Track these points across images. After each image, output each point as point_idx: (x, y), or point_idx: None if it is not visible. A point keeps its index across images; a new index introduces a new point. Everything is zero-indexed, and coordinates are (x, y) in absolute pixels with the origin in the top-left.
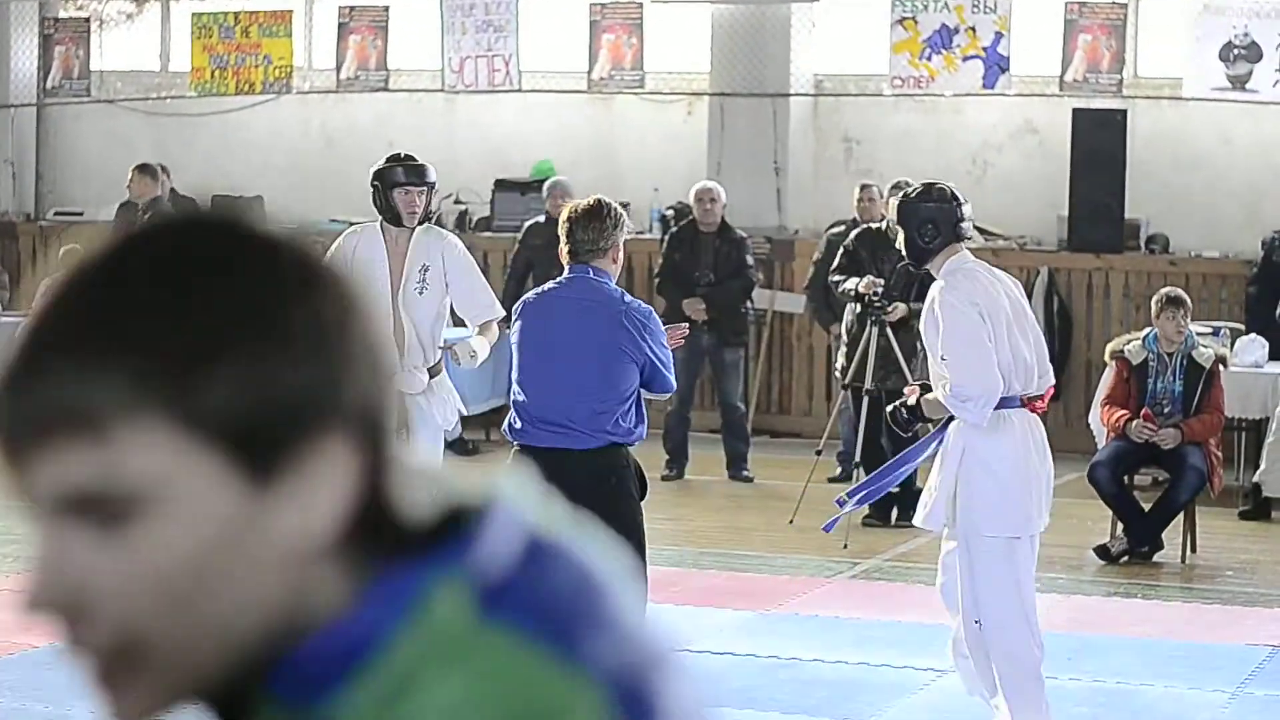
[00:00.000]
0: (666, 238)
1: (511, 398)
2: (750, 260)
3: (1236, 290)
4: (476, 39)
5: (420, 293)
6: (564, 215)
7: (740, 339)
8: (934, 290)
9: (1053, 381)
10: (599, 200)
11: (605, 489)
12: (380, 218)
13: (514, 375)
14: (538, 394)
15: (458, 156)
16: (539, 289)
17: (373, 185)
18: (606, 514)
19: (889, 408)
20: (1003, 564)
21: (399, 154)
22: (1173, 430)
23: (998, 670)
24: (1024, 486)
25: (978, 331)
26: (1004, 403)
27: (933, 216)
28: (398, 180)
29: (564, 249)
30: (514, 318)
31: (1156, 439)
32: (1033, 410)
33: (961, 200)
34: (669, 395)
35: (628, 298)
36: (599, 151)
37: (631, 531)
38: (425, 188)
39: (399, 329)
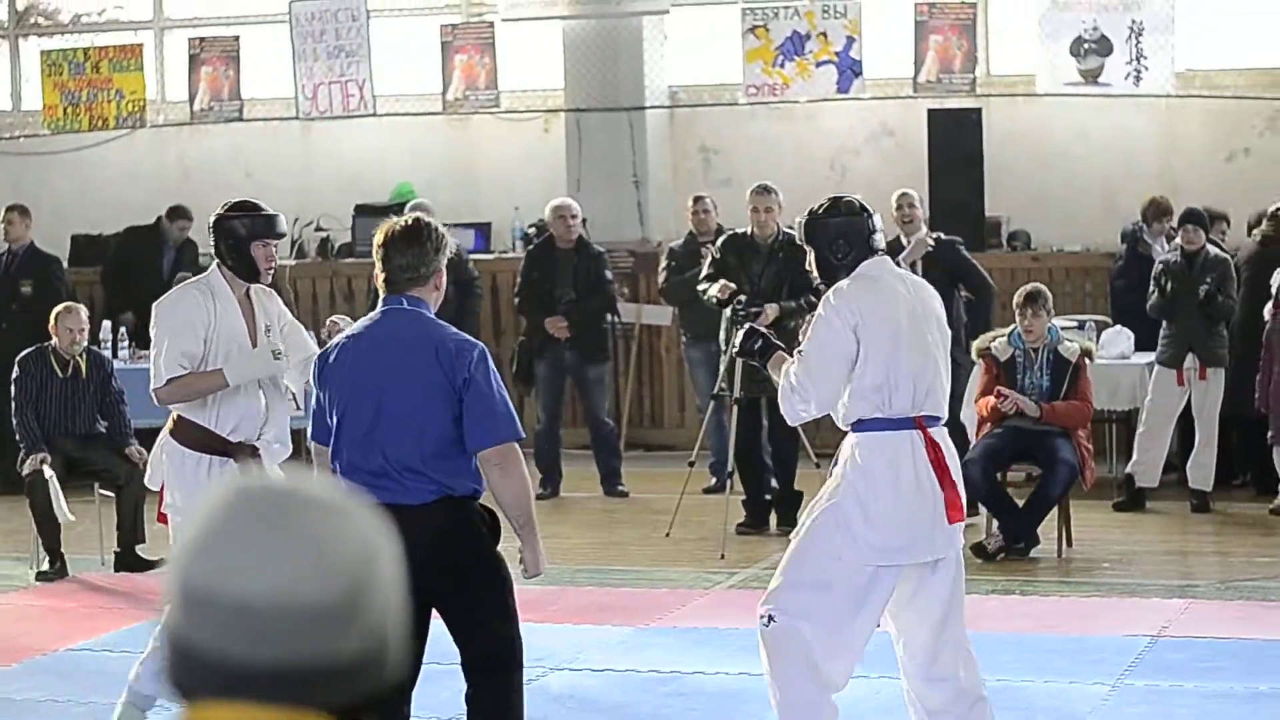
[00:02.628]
0: (525, 256)
1: (316, 450)
2: (609, 275)
3: (1100, 283)
4: (329, 65)
5: (276, 355)
6: (378, 239)
7: (604, 355)
8: (830, 288)
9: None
10: (418, 220)
11: (451, 544)
12: (219, 269)
13: (323, 426)
14: (357, 445)
15: (316, 183)
16: (349, 330)
17: (222, 234)
18: (461, 565)
19: (743, 331)
20: (842, 583)
21: (246, 200)
22: (1030, 402)
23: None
24: (894, 514)
25: (841, 344)
26: (888, 424)
27: (843, 231)
28: (260, 232)
29: (379, 277)
30: (316, 366)
31: (1020, 404)
32: (924, 432)
33: (870, 211)
34: (506, 446)
35: (452, 331)
36: (457, 172)
37: (498, 584)
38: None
39: (256, 397)
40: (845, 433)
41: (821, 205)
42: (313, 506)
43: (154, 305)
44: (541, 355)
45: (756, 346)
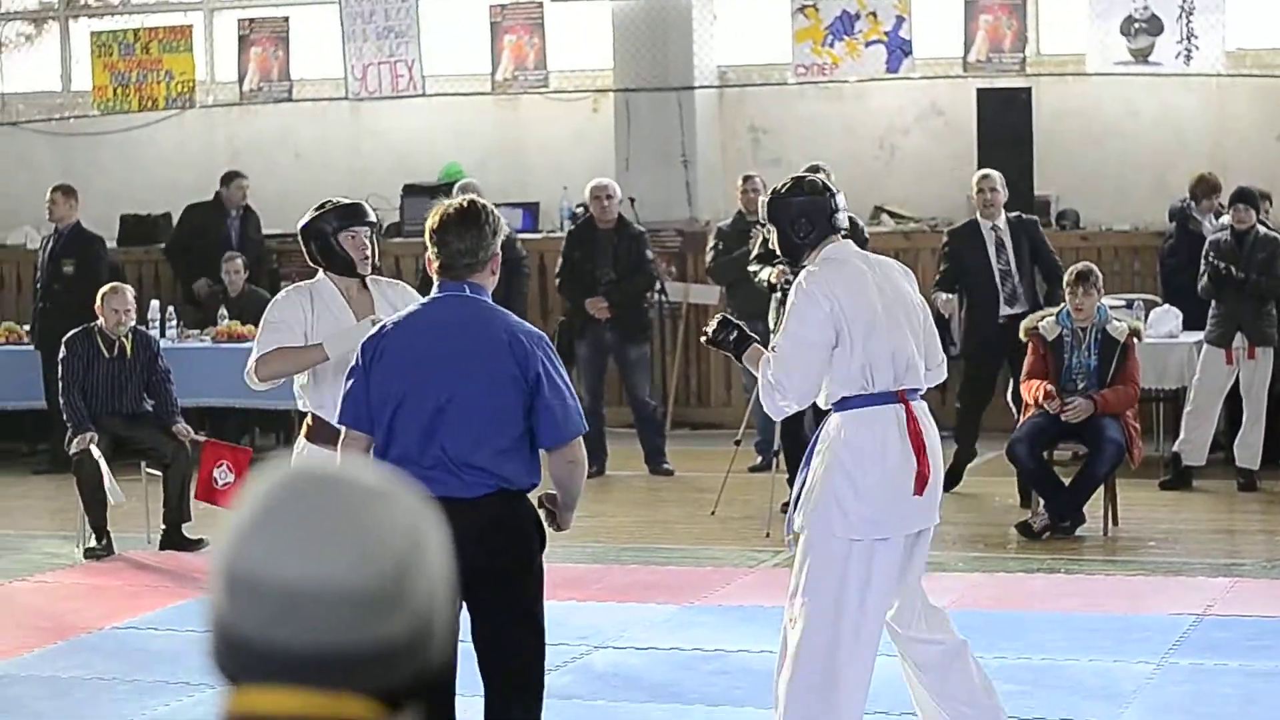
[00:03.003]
0: (566, 237)
1: (347, 435)
2: (650, 255)
3: (1149, 262)
4: (378, 45)
5: None
6: (431, 221)
7: (644, 334)
8: (800, 274)
9: (942, 377)
10: (473, 202)
11: (502, 544)
12: (323, 273)
13: (361, 412)
14: (413, 437)
15: (365, 163)
16: (400, 314)
17: (309, 238)
18: (507, 573)
19: (715, 321)
20: (840, 566)
21: (327, 200)
22: (1083, 401)
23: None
24: (881, 487)
25: (818, 333)
26: (872, 399)
27: (805, 210)
28: (342, 224)
29: (433, 262)
30: (365, 350)
31: (1068, 415)
32: (906, 405)
33: (834, 191)
34: (577, 441)
35: (517, 320)
36: (506, 152)
37: (536, 596)
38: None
39: None
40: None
41: (784, 184)
42: (357, 491)
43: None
44: (583, 335)
45: (731, 338)
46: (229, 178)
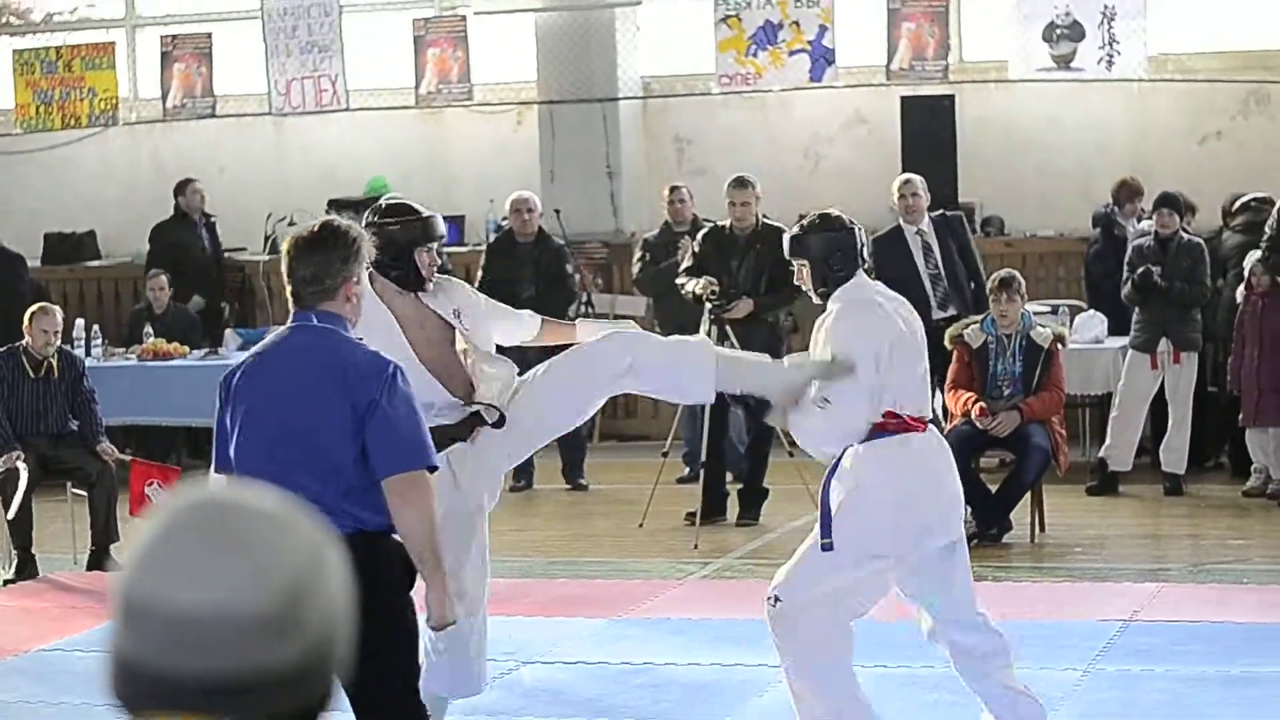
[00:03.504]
0: (485, 251)
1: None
2: (570, 269)
3: (1074, 267)
4: (301, 60)
5: None
6: (284, 246)
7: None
8: (829, 317)
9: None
10: (326, 225)
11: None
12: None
13: (225, 453)
14: (262, 476)
15: (290, 178)
16: (256, 346)
17: (380, 242)
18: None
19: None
20: (848, 570)
21: (400, 203)
22: (1010, 414)
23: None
24: (902, 505)
25: (865, 382)
26: (898, 428)
27: (840, 246)
28: (422, 238)
29: (288, 290)
30: (221, 387)
31: (995, 429)
32: (928, 430)
33: (859, 226)
34: (411, 474)
35: (366, 350)
36: (431, 165)
37: (400, 639)
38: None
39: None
40: None
41: (811, 219)
42: (253, 517)
43: None
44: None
45: (753, 405)
46: (182, 186)
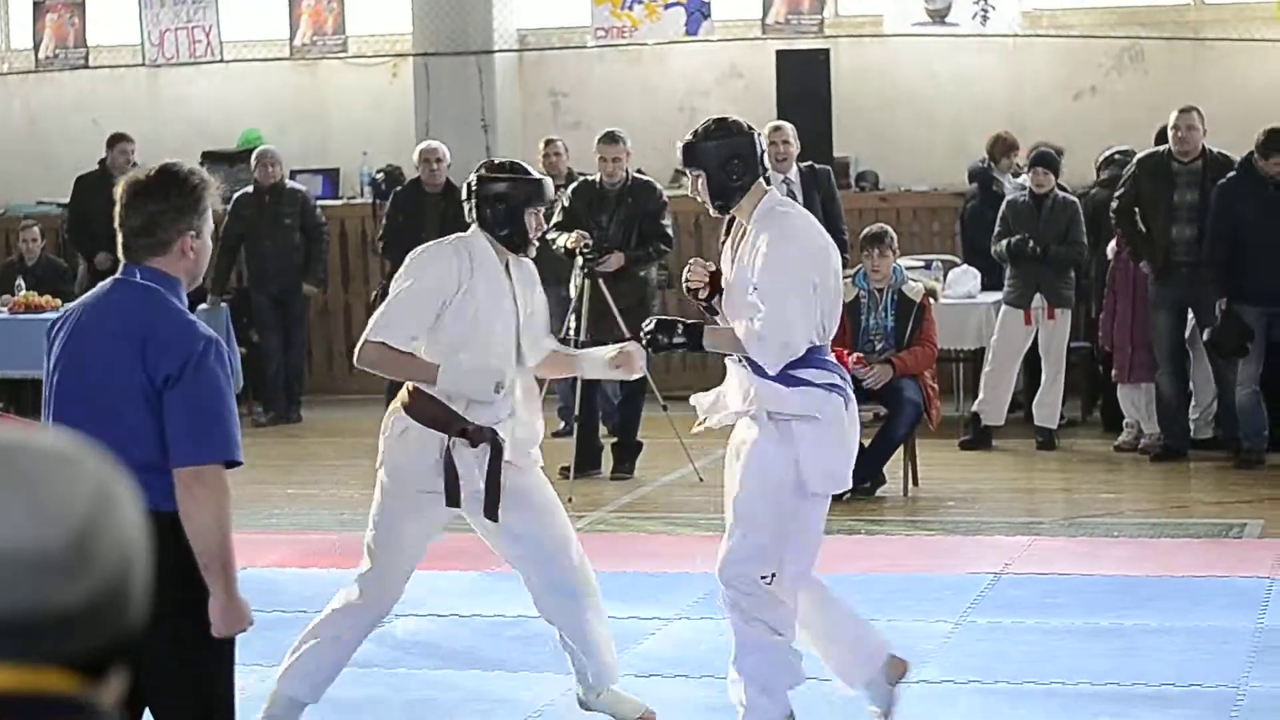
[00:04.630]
0: (390, 199)
1: None
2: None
3: (948, 222)
4: (175, 11)
5: (498, 389)
6: (118, 192)
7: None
8: (761, 237)
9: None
10: (164, 169)
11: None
12: (480, 234)
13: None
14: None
15: (162, 130)
16: (82, 299)
17: (489, 198)
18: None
19: (650, 325)
20: (812, 521)
21: (511, 162)
22: (883, 368)
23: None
24: (849, 439)
25: (805, 281)
26: (824, 351)
27: (737, 151)
28: (534, 199)
29: (119, 240)
30: (47, 335)
31: (868, 382)
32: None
33: (757, 131)
34: (201, 468)
35: (180, 319)
36: (306, 118)
37: (190, 637)
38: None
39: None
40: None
41: (706, 127)
42: (37, 455)
43: (410, 254)
44: None
45: (678, 336)
46: (113, 141)
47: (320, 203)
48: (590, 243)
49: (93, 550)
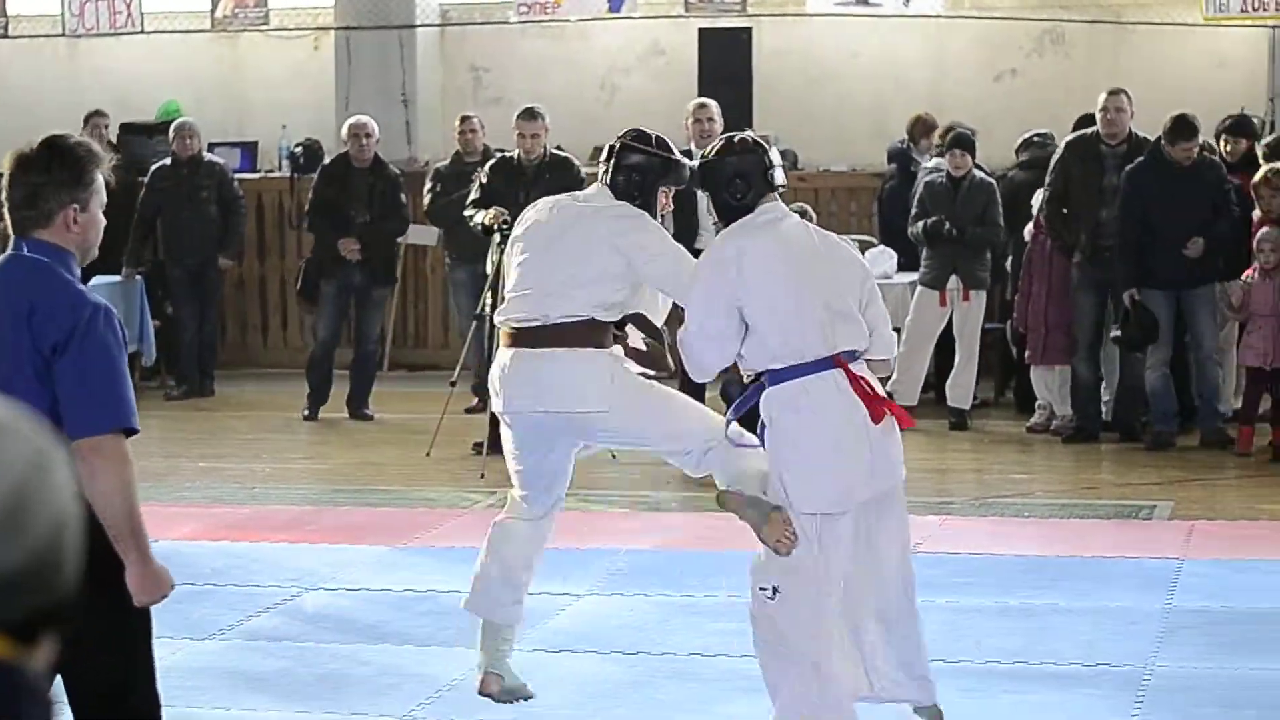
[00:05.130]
0: (318, 174)
1: None
2: (404, 198)
3: (865, 203)
4: None
5: None
6: (4, 165)
7: (390, 278)
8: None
9: (881, 349)
10: (48, 141)
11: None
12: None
13: None
14: None
15: (82, 101)
16: None
17: (628, 167)
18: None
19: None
20: (810, 542)
21: (651, 134)
22: None
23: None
24: (836, 456)
25: (717, 297)
26: (798, 370)
27: (740, 171)
28: (668, 178)
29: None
30: None
31: None
32: (846, 371)
33: (767, 147)
34: (99, 438)
35: (69, 289)
36: (226, 90)
37: (110, 614)
38: None
39: None
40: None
41: (715, 146)
42: None
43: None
44: (330, 275)
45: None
46: (89, 117)
47: (238, 176)
48: (509, 219)
49: (27, 516)
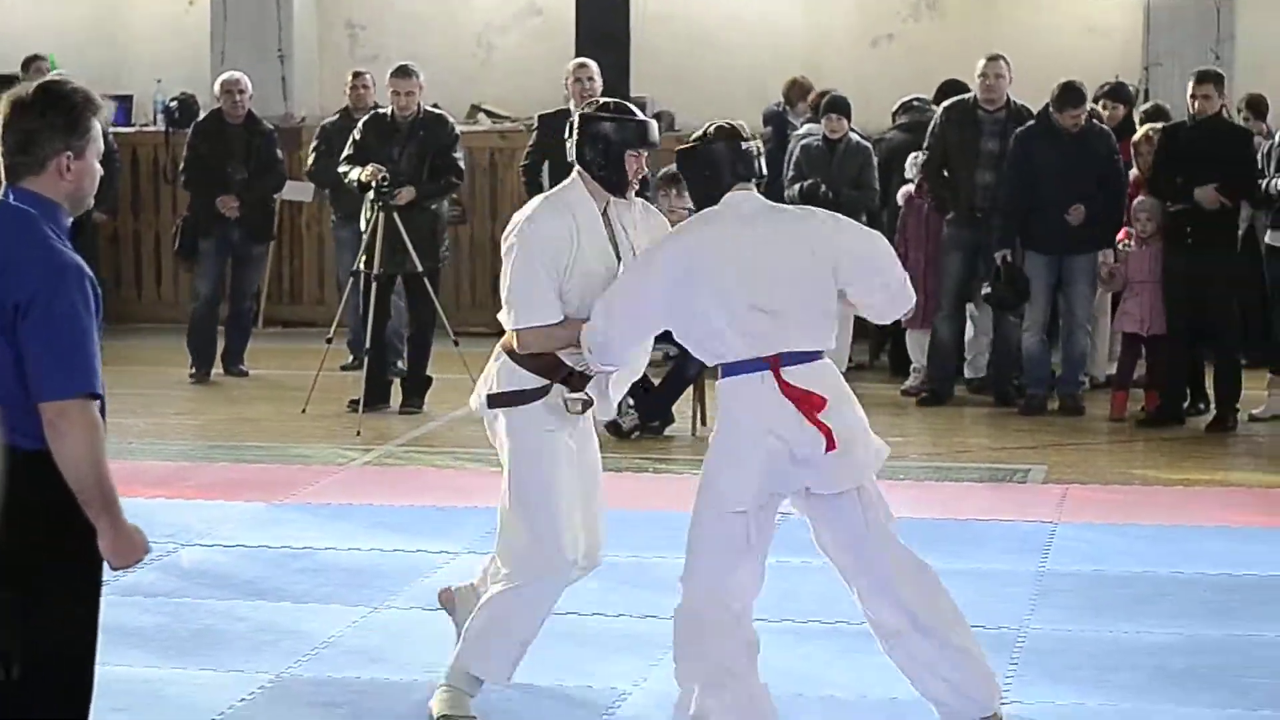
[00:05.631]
0: (191, 130)
1: None
2: (280, 154)
3: None
4: None
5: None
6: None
7: (269, 234)
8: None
9: (897, 305)
10: (42, 86)
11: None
12: (580, 178)
13: None
14: None
15: None
16: None
17: (591, 137)
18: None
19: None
20: (715, 533)
21: (615, 101)
22: None
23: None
24: (743, 455)
25: (641, 286)
26: (732, 368)
27: (710, 161)
28: (634, 141)
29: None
30: None
31: None
32: (774, 371)
33: (746, 136)
34: (64, 402)
35: (40, 242)
36: (100, 43)
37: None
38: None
39: None
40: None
41: (697, 134)
42: None
43: (515, 224)
44: (208, 233)
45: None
46: (29, 63)
47: (113, 130)
48: (387, 176)
49: None
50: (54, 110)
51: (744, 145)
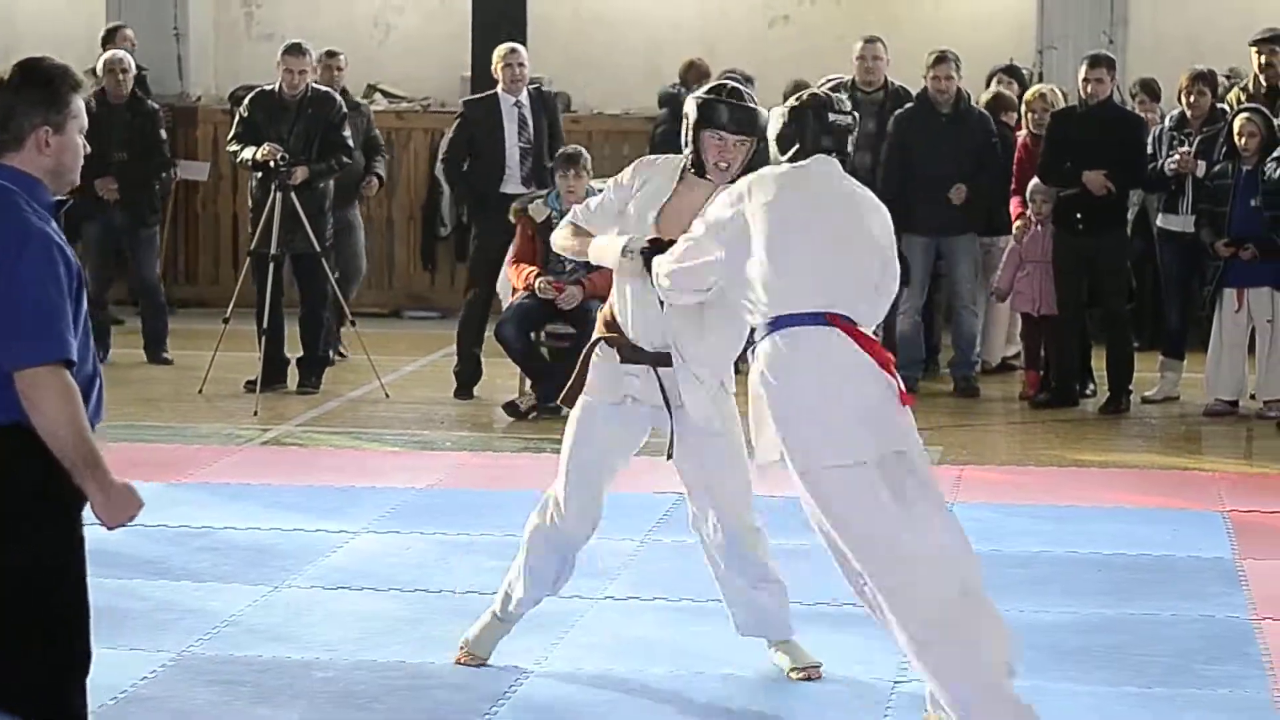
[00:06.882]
0: None
1: None
2: (164, 135)
3: (639, 146)
4: None
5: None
6: None
7: (155, 216)
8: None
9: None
10: (22, 62)
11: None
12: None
13: None
14: None
15: None
16: None
17: (679, 114)
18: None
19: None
20: (857, 494)
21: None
22: (574, 287)
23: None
24: (840, 409)
25: (712, 231)
26: (796, 319)
27: (792, 123)
28: (711, 121)
29: None
30: None
31: (561, 301)
32: (846, 330)
33: (833, 104)
34: (36, 370)
35: (14, 215)
36: None
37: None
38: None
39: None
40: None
41: (792, 96)
42: None
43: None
44: (91, 217)
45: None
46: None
47: None
48: (286, 154)
49: None
50: (30, 85)
51: (827, 114)
